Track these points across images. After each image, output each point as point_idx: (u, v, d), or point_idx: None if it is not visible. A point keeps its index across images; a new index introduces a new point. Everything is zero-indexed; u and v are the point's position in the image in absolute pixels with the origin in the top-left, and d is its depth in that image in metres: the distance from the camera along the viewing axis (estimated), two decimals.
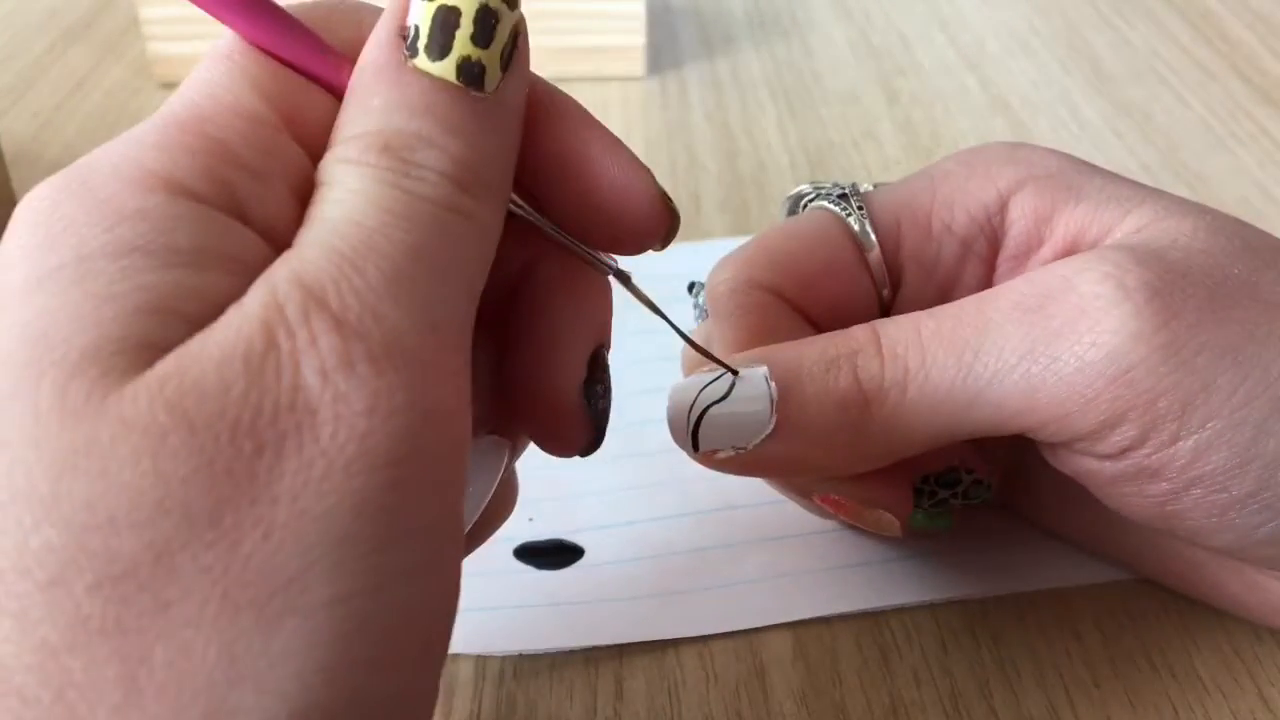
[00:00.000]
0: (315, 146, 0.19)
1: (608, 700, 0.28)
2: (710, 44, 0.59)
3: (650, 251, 0.22)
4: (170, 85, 0.55)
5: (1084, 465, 0.25)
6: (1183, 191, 0.45)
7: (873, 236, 0.28)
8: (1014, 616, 0.30)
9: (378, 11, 0.20)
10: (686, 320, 0.37)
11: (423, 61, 0.18)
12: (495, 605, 0.30)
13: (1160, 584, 0.30)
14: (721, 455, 0.25)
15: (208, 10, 0.19)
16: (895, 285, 0.29)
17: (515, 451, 0.24)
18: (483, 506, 0.23)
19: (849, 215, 0.28)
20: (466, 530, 0.22)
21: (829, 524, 0.32)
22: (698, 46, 0.59)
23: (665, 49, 0.58)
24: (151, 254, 0.16)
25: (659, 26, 0.60)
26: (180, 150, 0.17)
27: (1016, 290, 0.24)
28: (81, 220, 0.16)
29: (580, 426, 0.22)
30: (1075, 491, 0.29)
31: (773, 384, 0.25)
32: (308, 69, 0.19)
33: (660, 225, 0.21)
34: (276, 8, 0.19)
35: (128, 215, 0.16)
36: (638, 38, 0.55)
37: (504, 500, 0.24)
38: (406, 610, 0.16)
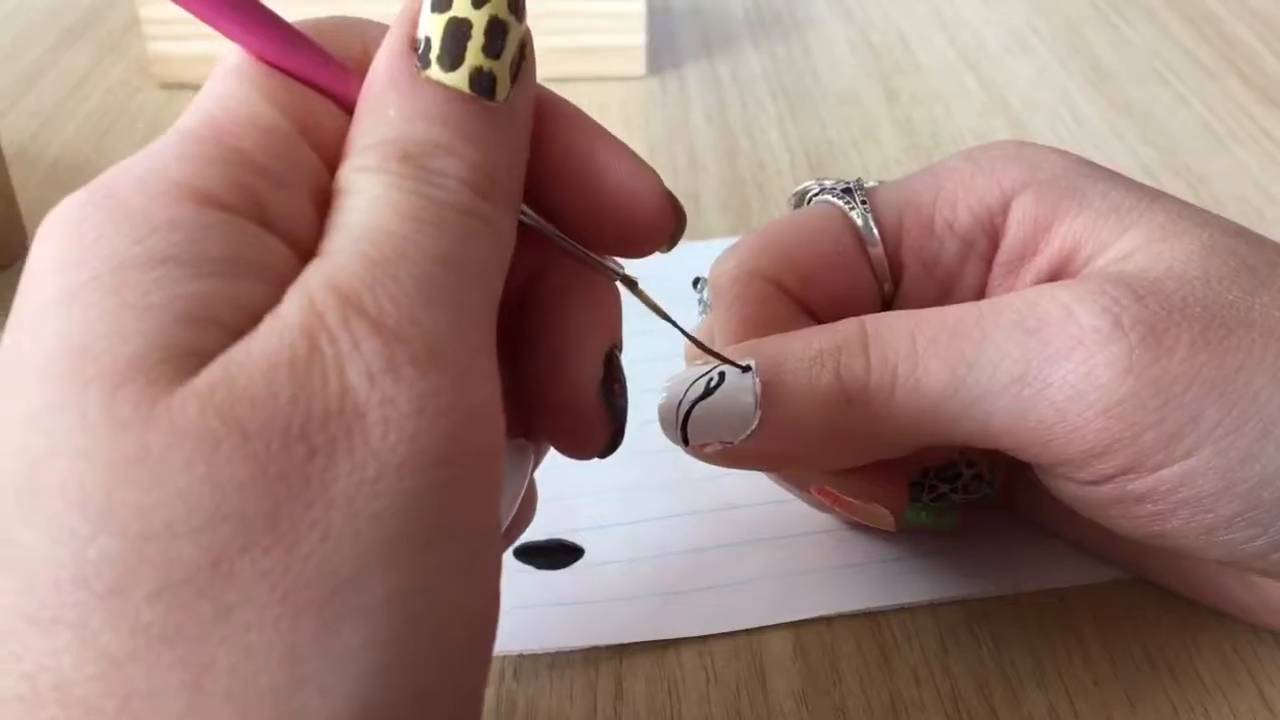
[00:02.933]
0: (329, 155, 0.19)
1: (608, 700, 0.28)
2: (710, 44, 0.59)
3: (656, 253, 0.22)
4: (170, 85, 0.55)
5: (1068, 488, 0.25)
6: (1182, 191, 0.46)
7: (875, 231, 0.28)
8: (1014, 616, 0.30)
9: (382, 28, 0.20)
10: (691, 315, 0.36)
11: (436, 72, 0.19)
12: None
13: (1161, 585, 0.30)
14: (710, 449, 0.26)
15: (215, 27, 0.19)
16: (897, 281, 0.29)
17: (538, 457, 0.24)
18: (514, 510, 0.23)
19: (852, 209, 0.28)
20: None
21: (829, 524, 0.32)
22: (698, 46, 0.59)
23: (665, 49, 0.58)
24: (185, 264, 0.16)
25: (659, 26, 0.60)
26: (203, 161, 0.17)
27: (1015, 309, 0.24)
28: (112, 232, 0.16)
29: (600, 427, 0.22)
30: None
31: (758, 380, 0.25)
32: (315, 81, 0.19)
33: (667, 226, 0.22)
34: (282, 23, 0.19)
35: (159, 226, 0.17)
36: (637, 37, 0.55)
37: (528, 505, 0.25)
38: (457, 607, 0.16)
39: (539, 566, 0.31)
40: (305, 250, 0.18)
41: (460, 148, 0.18)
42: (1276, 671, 0.28)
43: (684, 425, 0.26)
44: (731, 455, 0.26)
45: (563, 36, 0.55)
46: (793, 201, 0.32)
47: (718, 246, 0.43)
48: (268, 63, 0.19)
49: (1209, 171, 0.48)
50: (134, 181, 0.17)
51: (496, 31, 0.19)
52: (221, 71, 0.19)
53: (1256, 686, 0.28)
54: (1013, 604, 0.30)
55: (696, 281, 0.36)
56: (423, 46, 0.19)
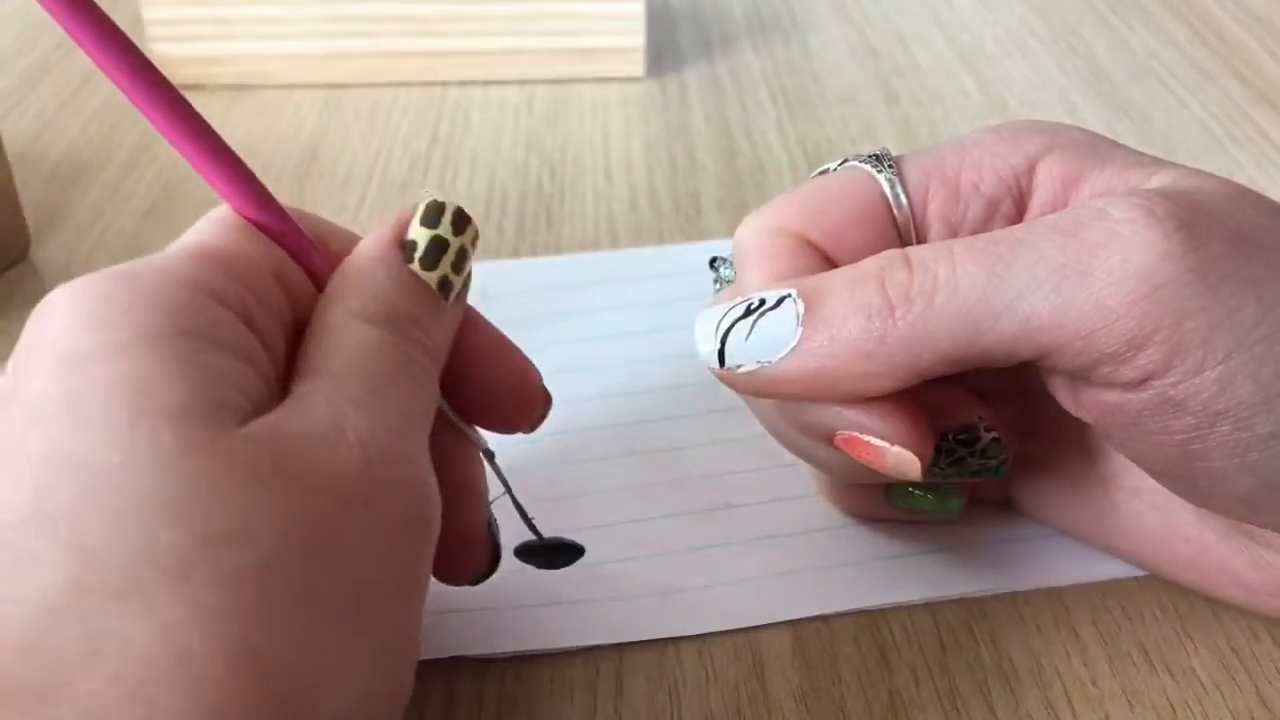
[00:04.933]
0: (293, 298, 0.24)
1: (608, 699, 0.28)
2: (709, 45, 0.59)
3: (520, 433, 0.28)
4: None
5: (1107, 399, 0.25)
6: None
7: (902, 195, 0.28)
8: (1012, 615, 0.30)
9: (325, 222, 0.27)
10: (681, 334, 0.36)
11: (417, 268, 0.25)
12: (495, 605, 0.30)
13: (1165, 574, 0.30)
14: (745, 369, 0.26)
15: (224, 197, 0.24)
16: (922, 242, 0.29)
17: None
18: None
19: (880, 173, 0.28)
20: None
21: (828, 523, 0.32)
22: (697, 47, 0.59)
23: (664, 50, 0.58)
24: (204, 339, 0.20)
25: (658, 27, 0.60)
26: (208, 268, 0.22)
27: (1050, 220, 0.25)
28: (141, 305, 0.20)
29: (483, 555, 0.28)
30: (1079, 482, 0.30)
31: (800, 300, 0.26)
32: (291, 244, 0.24)
33: (543, 404, 0.28)
34: (268, 195, 0.24)
35: (181, 306, 0.21)
36: (637, 39, 0.55)
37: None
38: (407, 629, 0.23)
39: (539, 566, 0.31)
40: (276, 365, 0.22)
41: (426, 324, 0.24)
42: (1274, 671, 0.28)
43: (722, 345, 0.26)
44: (766, 378, 0.26)
45: (562, 38, 0.55)
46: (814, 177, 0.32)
47: (717, 247, 0.44)
48: (257, 225, 0.24)
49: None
50: (151, 272, 0.21)
51: (462, 256, 0.26)
52: (211, 218, 0.24)
53: (1254, 685, 0.28)
54: (1011, 603, 0.30)
55: (714, 261, 0.36)
56: (409, 248, 0.25)
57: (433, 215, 0.26)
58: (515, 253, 0.43)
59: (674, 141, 0.51)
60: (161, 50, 0.54)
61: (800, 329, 0.25)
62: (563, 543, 0.32)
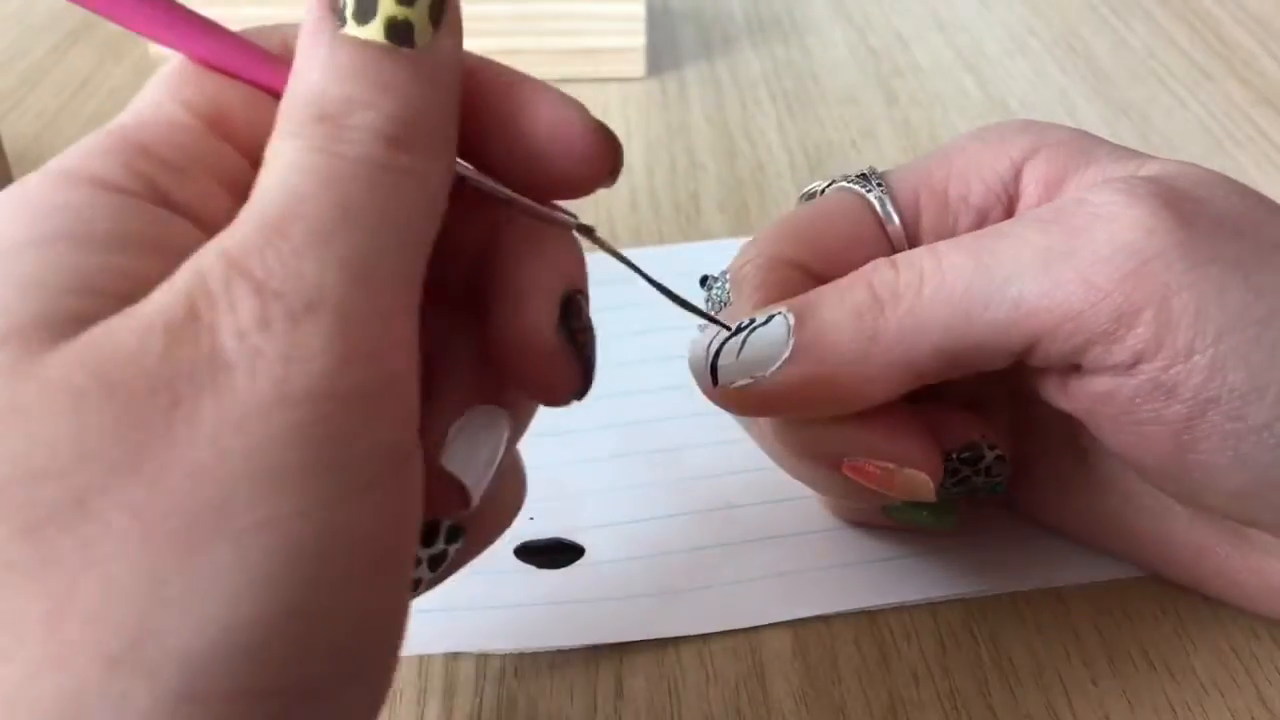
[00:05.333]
0: (249, 147, 0.20)
1: (608, 699, 0.28)
2: (709, 45, 0.59)
3: (602, 187, 0.22)
4: None
5: (1098, 388, 0.24)
6: None
7: (893, 212, 0.28)
8: (1012, 615, 0.30)
9: (297, 27, 0.21)
10: (680, 335, 0.37)
11: (351, 27, 0.19)
12: (495, 605, 0.30)
13: (1162, 575, 0.30)
14: (739, 384, 0.26)
15: (157, 40, 0.20)
16: None
17: (516, 423, 0.24)
18: (489, 477, 0.23)
19: (869, 192, 0.29)
20: (475, 501, 0.22)
21: (828, 523, 0.32)
22: (697, 47, 0.59)
23: (665, 50, 0.58)
24: (73, 239, 0.17)
25: (658, 28, 0.60)
26: (101, 153, 0.19)
27: (1033, 211, 0.25)
28: (8, 218, 0.18)
29: (565, 366, 0.22)
30: (1078, 481, 0.30)
31: (790, 315, 0.26)
32: (249, 75, 0.20)
33: (601, 155, 0.21)
34: (204, 21, 0.20)
35: (51, 210, 0.18)
36: (637, 39, 0.55)
37: (515, 483, 0.25)
38: (347, 529, 0.17)
39: (539, 566, 0.31)
40: (218, 230, 0.18)
41: (377, 99, 0.18)
42: (1274, 670, 0.28)
43: (714, 362, 0.26)
44: (760, 394, 0.26)
45: (563, 38, 0.55)
46: (802, 201, 0.32)
47: (717, 247, 0.44)
48: (205, 64, 0.20)
49: None
50: (40, 173, 0.18)
51: None
52: (149, 84, 0.20)
53: (1254, 685, 0.28)
54: (1011, 603, 0.30)
55: (704, 280, 0.36)
56: (341, 5, 0.19)
57: None
58: None
59: (674, 142, 0.51)
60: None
61: (792, 340, 0.25)
62: (562, 543, 0.32)
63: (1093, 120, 0.52)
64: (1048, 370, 0.26)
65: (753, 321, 0.26)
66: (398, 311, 0.18)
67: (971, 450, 0.28)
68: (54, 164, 0.19)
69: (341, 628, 0.17)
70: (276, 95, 0.20)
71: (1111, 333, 0.23)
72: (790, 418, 0.28)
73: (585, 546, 0.32)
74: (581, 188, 0.22)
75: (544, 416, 0.39)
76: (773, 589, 0.30)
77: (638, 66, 0.56)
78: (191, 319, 0.17)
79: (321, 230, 0.18)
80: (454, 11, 0.20)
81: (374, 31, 0.19)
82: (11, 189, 0.18)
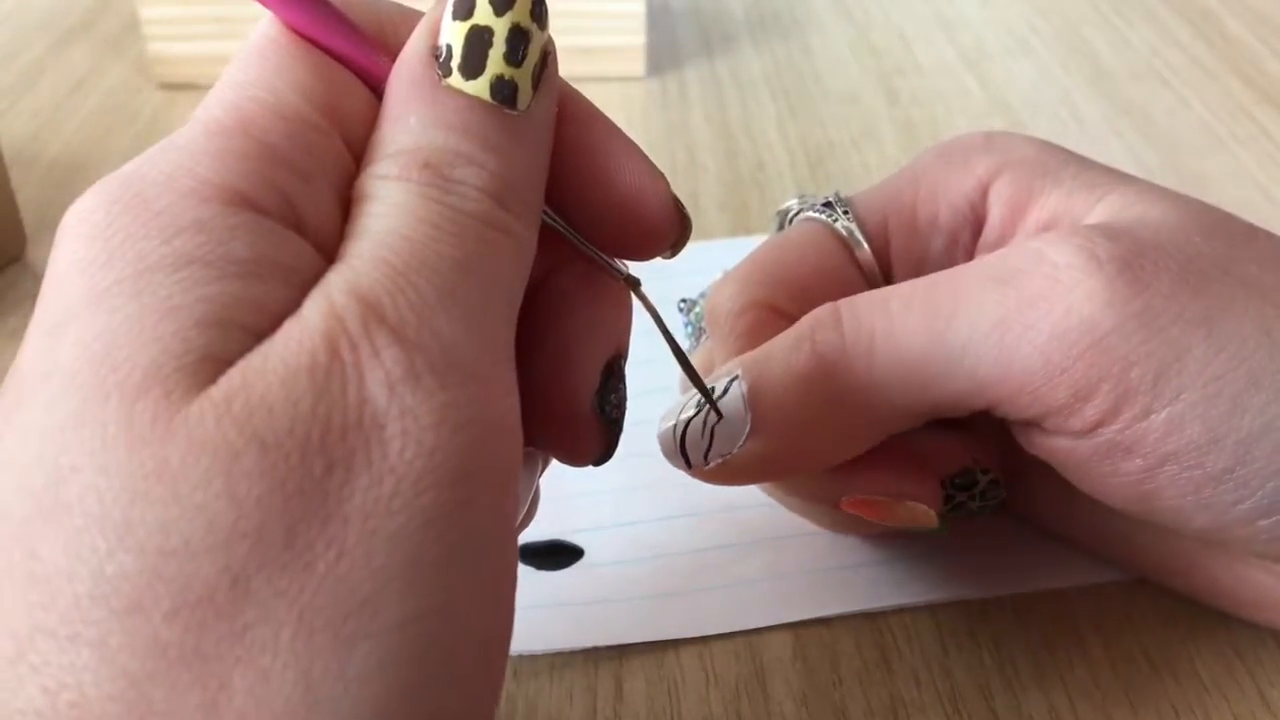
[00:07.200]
0: (355, 143, 0.19)
1: (608, 700, 0.28)
2: (710, 44, 0.59)
3: (658, 259, 0.22)
4: (170, 85, 0.55)
5: (1057, 445, 0.25)
6: (1181, 191, 0.45)
7: (860, 237, 0.28)
8: (1014, 617, 0.30)
9: (397, 7, 0.20)
10: (678, 335, 0.36)
11: (457, 80, 0.18)
12: None
13: (1160, 584, 0.30)
14: (712, 466, 0.26)
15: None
16: (889, 284, 0.29)
17: (545, 462, 0.24)
18: (523, 513, 0.23)
19: (835, 221, 0.28)
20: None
21: None
22: (698, 46, 0.59)
23: (665, 49, 0.58)
24: (210, 265, 0.16)
25: (659, 26, 0.60)
26: (231, 156, 0.17)
27: (988, 264, 0.24)
28: (139, 234, 0.16)
29: (592, 436, 0.22)
30: (1073, 489, 0.29)
31: (744, 383, 0.25)
32: (348, 57, 0.19)
33: (672, 230, 0.21)
34: (324, 2, 0.19)
35: (185, 227, 0.16)
36: (638, 38, 0.55)
37: (531, 509, 0.25)
38: (473, 628, 0.16)
39: (539, 566, 0.31)
40: (329, 251, 0.17)
41: (481, 157, 0.18)
42: (1277, 673, 0.28)
43: (682, 446, 0.26)
44: (735, 468, 0.25)
45: (563, 36, 0.54)
46: (776, 221, 0.32)
47: (717, 247, 0.43)
48: (302, 35, 0.19)
49: (1209, 172, 0.48)
50: (162, 179, 0.17)
51: (518, 39, 0.19)
52: (245, 56, 0.19)
53: (1257, 688, 0.28)
54: (1012, 605, 0.30)
55: (683, 304, 0.36)
56: (444, 54, 0.18)
57: (465, 2, 0.19)
58: None
59: (674, 140, 0.51)
60: (159, 49, 0.54)
61: (749, 414, 0.25)
62: (562, 544, 0.31)
63: (1094, 119, 0.52)
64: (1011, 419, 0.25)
65: (712, 392, 0.25)
66: (513, 381, 0.18)
67: (965, 476, 0.28)
68: (175, 161, 0.17)
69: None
70: (374, 87, 0.19)
71: (1069, 405, 0.23)
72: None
73: (585, 548, 0.31)
74: (641, 254, 0.22)
75: None
76: (773, 591, 0.30)
77: (638, 65, 0.56)
78: (334, 361, 0.16)
79: (448, 286, 0.17)
80: (552, 73, 0.20)
81: (479, 88, 0.18)
82: (133, 192, 0.17)
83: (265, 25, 0.19)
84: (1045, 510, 0.31)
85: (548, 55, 0.19)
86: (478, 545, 0.16)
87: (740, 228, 0.45)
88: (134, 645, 0.14)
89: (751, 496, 0.33)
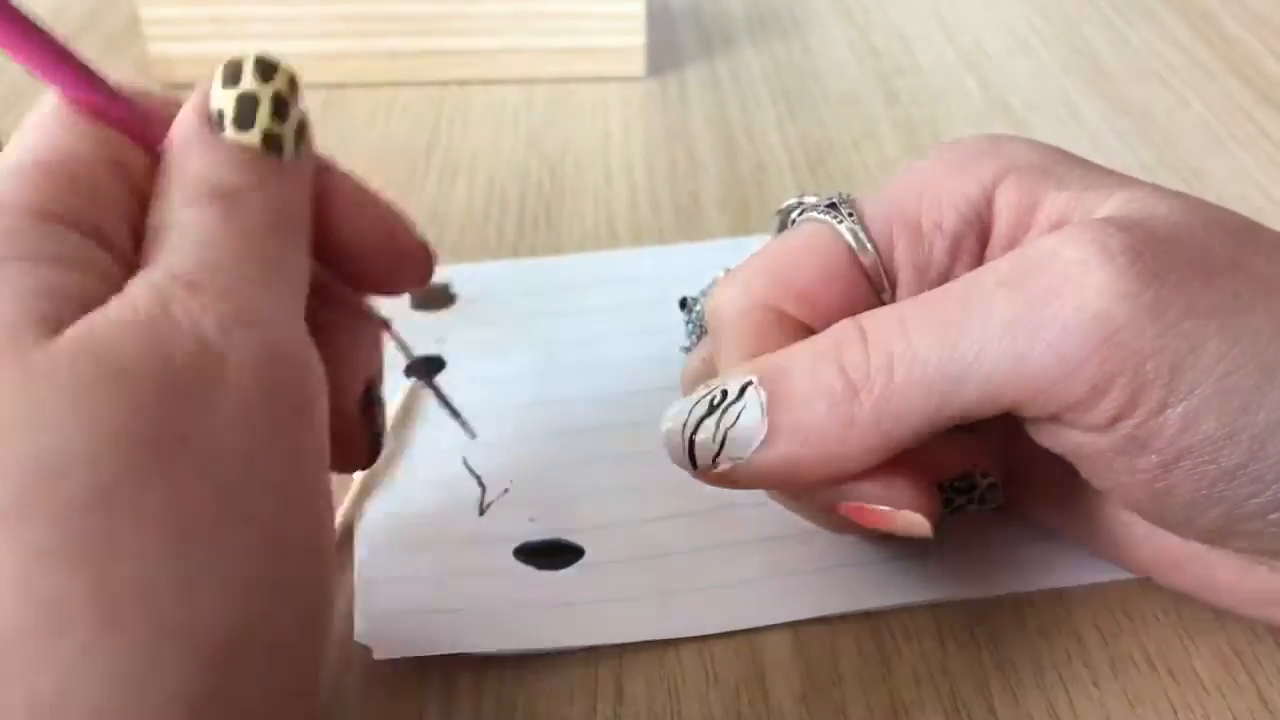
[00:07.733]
0: (138, 190, 0.22)
1: (608, 700, 0.28)
2: (710, 44, 0.59)
3: (408, 292, 0.27)
4: (171, 86, 0.55)
5: (1074, 440, 0.25)
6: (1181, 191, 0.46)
7: (867, 243, 0.28)
8: (1013, 617, 0.30)
9: (163, 98, 0.25)
10: (679, 335, 0.37)
11: (232, 134, 0.23)
12: (495, 605, 0.30)
13: (1158, 580, 0.30)
14: (720, 469, 0.26)
15: (44, 77, 0.22)
16: (893, 288, 0.29)
17: None
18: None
19: (840, 223, 0.28)
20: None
21: None
22: (697, 47, 0.59)
23: (665, 49, 0.58)
24: (30, 259, 0.19)
25: (659, 27, 0.60)
26: (33, 185, 0.21)
27: (998, 268, 0.24)
28: None
29: (361, 441, 0.27)
30: (1073, 488, 0.29)
31: (762, 390, 0.25)
32: (122, 122, 0.23)
33: (421, 258, 0.26)
34: (96, 76, 0.23)
35: (2, 236, 0.20)
36: (637, 38, 0.55)
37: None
38: (306, 512, 0.21)
39: (539, 566, 0.31)
40: (126, 263, 0.21)
41: (259, 186, 0.22)
42: (1276, 672, 0.28)
43: (690, 448, 0.26)
44: (743, 474, 0.26)
45: (563, 37, 0.55)
46: (777, 220, 0.32)
47: (717, 247, 0.44)
48: (88, 111, 0.22)
49: (1208, 172, 0.48)
50: None
51: (280, 103, 0.23)
52: (34, 121, 0.23)
53: (1256, 687, 0.28)
54: (1012, 604, 0.30)
55: (684, 303, 0.36)
56: (216, 118, 0.23)
57: (232, 73, 0.23)
58: (515, 253, 0.43)
59: (674, 141, 0.51)
60: (159, 50, 0.54)
61: (765, 422, 0.25)
62: (562, 543, 0.32)
63: (1094, 119, 0.52)
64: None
65: (725, 394, 0.26)
66: (306, 335, 0.22)
67: (965, 480, 0.28)
68: None
69: (313, 609, 0.21)
70: (147, 147, 0.23)
71: (1086, 401, 0.23)
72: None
73: (585, 547, 0.31)
74: (399, 282, 0.26)
75: (544, 417, 0.39)
76: (773, 590, 0.30)
77: (638, 66, 0.56)
78: (170, 313, 0.19)
79: (248, 271, 0.21)
80: (309, 135, 0.24)
81: (252, 139, 0.23)
82: None
83: (50, 99, 0.23)
84: (1045, 510, 0.31)
85: (304, 122, 0.24)
86: (304, 455, 0.20)
87: (740, 228, 0.45)
88: (19, 550, 0.17)
89: (752, 496, 0.33)
